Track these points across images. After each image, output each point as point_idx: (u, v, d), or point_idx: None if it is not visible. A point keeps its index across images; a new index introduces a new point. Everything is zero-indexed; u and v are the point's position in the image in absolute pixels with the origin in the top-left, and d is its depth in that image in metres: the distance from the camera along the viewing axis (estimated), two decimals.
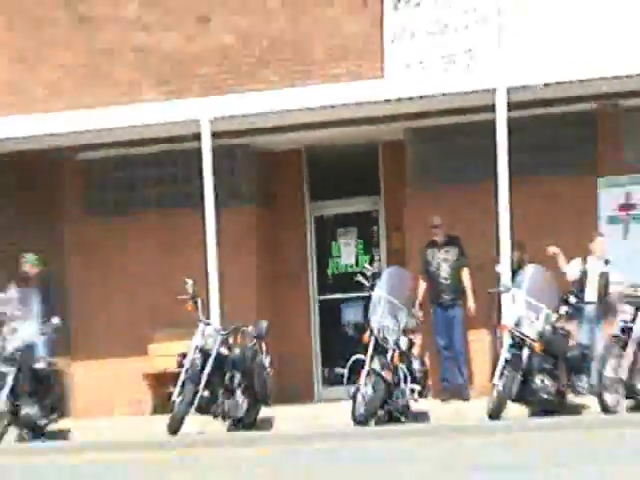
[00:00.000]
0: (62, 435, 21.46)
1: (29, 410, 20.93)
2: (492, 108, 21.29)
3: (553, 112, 22.74)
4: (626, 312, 19.76)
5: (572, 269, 21.51)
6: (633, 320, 19.65)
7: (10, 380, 20.74)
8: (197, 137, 22.58)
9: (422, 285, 23.08)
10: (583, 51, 22.13)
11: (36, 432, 21.15)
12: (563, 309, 20.25)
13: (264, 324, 21.35)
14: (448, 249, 23.07)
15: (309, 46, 23.34)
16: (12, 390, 20.75)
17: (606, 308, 20.88)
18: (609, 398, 19.29)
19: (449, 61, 22.83)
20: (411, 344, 20.71)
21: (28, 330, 21.07)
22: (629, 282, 20.63)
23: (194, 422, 20.38)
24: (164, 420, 20.46)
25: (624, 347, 19.57)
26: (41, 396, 21.23)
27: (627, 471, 12.25)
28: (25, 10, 25.28)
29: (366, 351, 19.86)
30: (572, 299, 20.50)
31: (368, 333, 19.98)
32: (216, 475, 16.13)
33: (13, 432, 21.39)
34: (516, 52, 22.36)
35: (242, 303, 22.74)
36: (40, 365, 21.40)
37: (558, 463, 15.35)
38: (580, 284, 21.47)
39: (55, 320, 21.38)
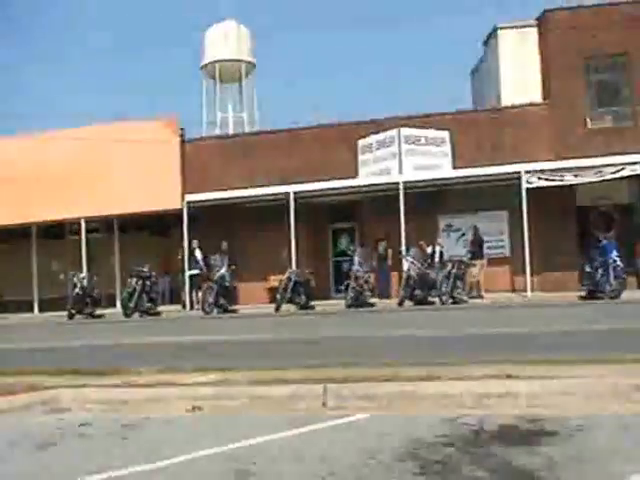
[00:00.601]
0: (234, 310, 20.92)
1: (221, 300, 20.66)
2: (397, 190, 21.53)
3: (426, 190, 22.46)
4: (449, 266, 19.91)
5: (429, 250, 21.33)
6: (452, 268, 19.73)
7: (215, 290, 20.60)
8: (288, 197, 22.50)
9: (374, 255, 22.69)
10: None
11: (220, 308, 20.59)
12: (426, 264, 20.54)
13: (309, 270, 21.73)
14: (382, 242, 23.05)
15: (330, 166, 23.00)
16: (217, 293, 20.58)
17: (442, 264, 20.46)
18: (444, 299, 19.35)
19: (382, 172, 22.86)
20: (369, 277, 20.81)
21: (222, 270, 20.85)
22: (449, 256, 21.19)
23: (286, 306, 20.36)
24: (272, 306, 20.79)
25: (448, 278, 19.60)
26: (228, 296, 21.12)
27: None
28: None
29: (350, 279, 20.26)
30: (429, 261, 20.90)
31: (352, 272, 20.33)
32: (292, 321, 17.86)
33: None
34: (406, 170, 22.50)
35: (304, 262, 22.37)
36: (227, 284, 21.06)
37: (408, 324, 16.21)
38: (432, 255, 21.22)
39: (233, 267, 21.38)
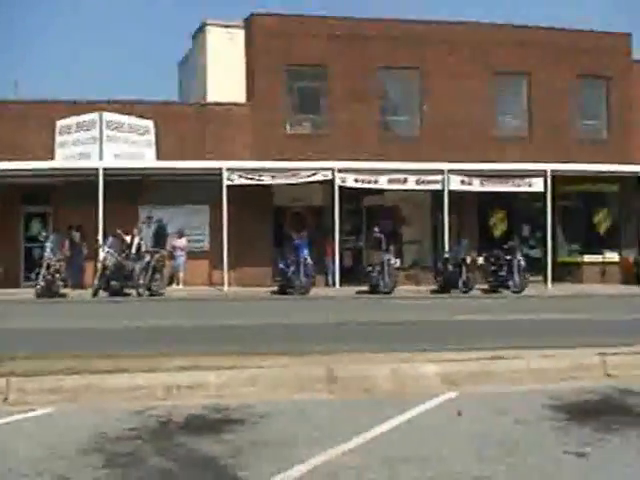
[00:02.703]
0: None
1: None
2: (97, 176, 20.05)
3: (128, 179, 21.18)
4: (147, 257, 19.09)
5: (127, 239, 19.82)
6: (151, 260, 18.92)
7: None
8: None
9: (68, 242, 20.84)
10: None
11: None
12: (123, 254, 19.47)
13: None
14: (78, 229, 21.36)
15: (24, 145, 21.34)
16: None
17: (140, 256, 19.24)
18: (140, 291, 18.66)
19: (81, 156, 21.85)
20: (61, 265, 18.98)
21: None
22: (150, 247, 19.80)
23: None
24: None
25: (146, 270, 18.82)
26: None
27: None
28: None
29: (42, 267, 18.56)
30: (127, 252, 19.68)
31: (44, 260, 18.66)
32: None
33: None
34: (107, 156, 21.82)
35: None
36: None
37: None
38: (130, 245, 19.75)
39: None
